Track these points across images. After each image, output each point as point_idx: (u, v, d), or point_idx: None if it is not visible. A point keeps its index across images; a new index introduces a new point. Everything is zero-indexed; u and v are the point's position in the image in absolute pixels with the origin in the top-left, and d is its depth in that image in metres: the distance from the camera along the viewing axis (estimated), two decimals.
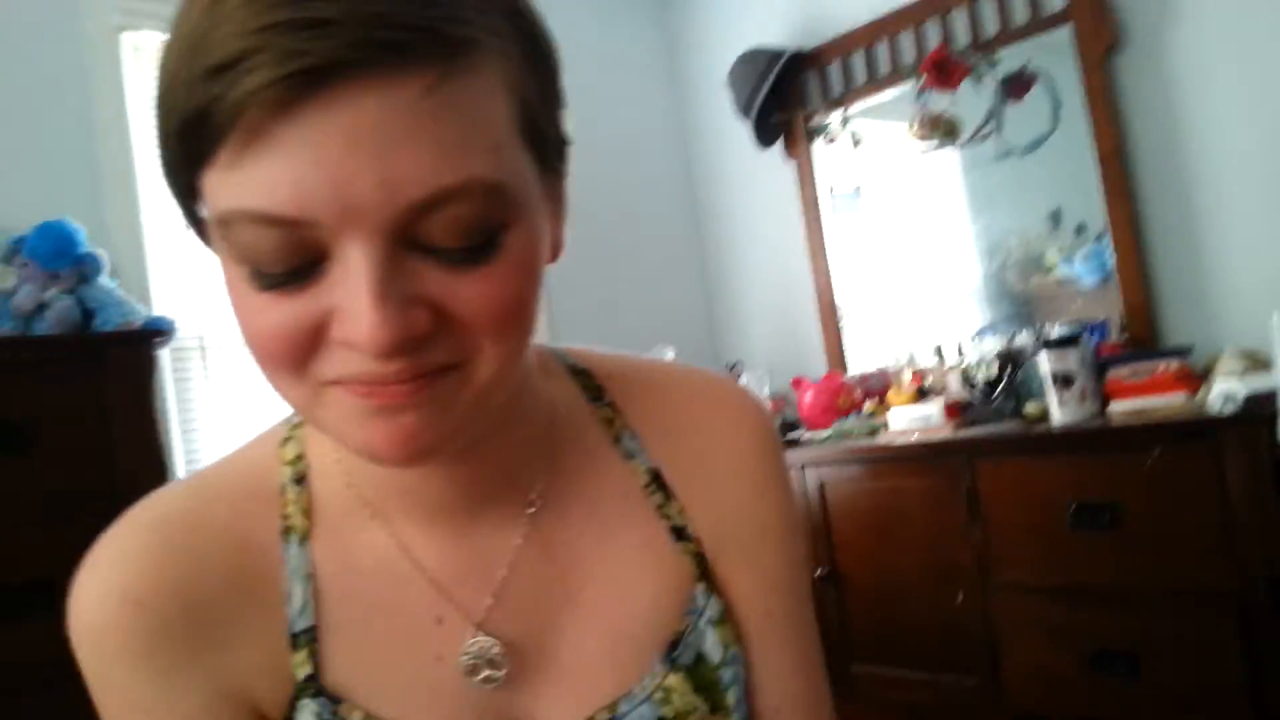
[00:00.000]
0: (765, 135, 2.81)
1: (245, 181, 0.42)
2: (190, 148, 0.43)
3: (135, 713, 0.55)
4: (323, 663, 0.56)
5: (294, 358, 0.46)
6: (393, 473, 0.56)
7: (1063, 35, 2.26)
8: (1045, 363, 1.99)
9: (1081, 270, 2.34)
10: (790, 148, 2.85)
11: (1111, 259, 2.25)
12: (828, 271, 2.81)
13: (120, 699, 0.55)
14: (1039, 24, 2.30)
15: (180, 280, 2.36)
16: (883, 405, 2.50)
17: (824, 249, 2.81)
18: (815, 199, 2.82)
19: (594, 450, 0.64)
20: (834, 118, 2.71)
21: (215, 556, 0.56)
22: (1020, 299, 2.49)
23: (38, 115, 2.08)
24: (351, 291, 0.43)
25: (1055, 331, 2.21)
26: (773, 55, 2.71)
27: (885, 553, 2.14)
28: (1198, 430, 1.70)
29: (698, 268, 3.20)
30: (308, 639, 0.56)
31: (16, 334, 1.77)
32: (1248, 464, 1.62)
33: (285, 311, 0.45)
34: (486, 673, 0.57)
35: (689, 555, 0.63)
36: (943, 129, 2.40)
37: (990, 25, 2.40)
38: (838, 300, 2.81)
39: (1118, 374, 1.99)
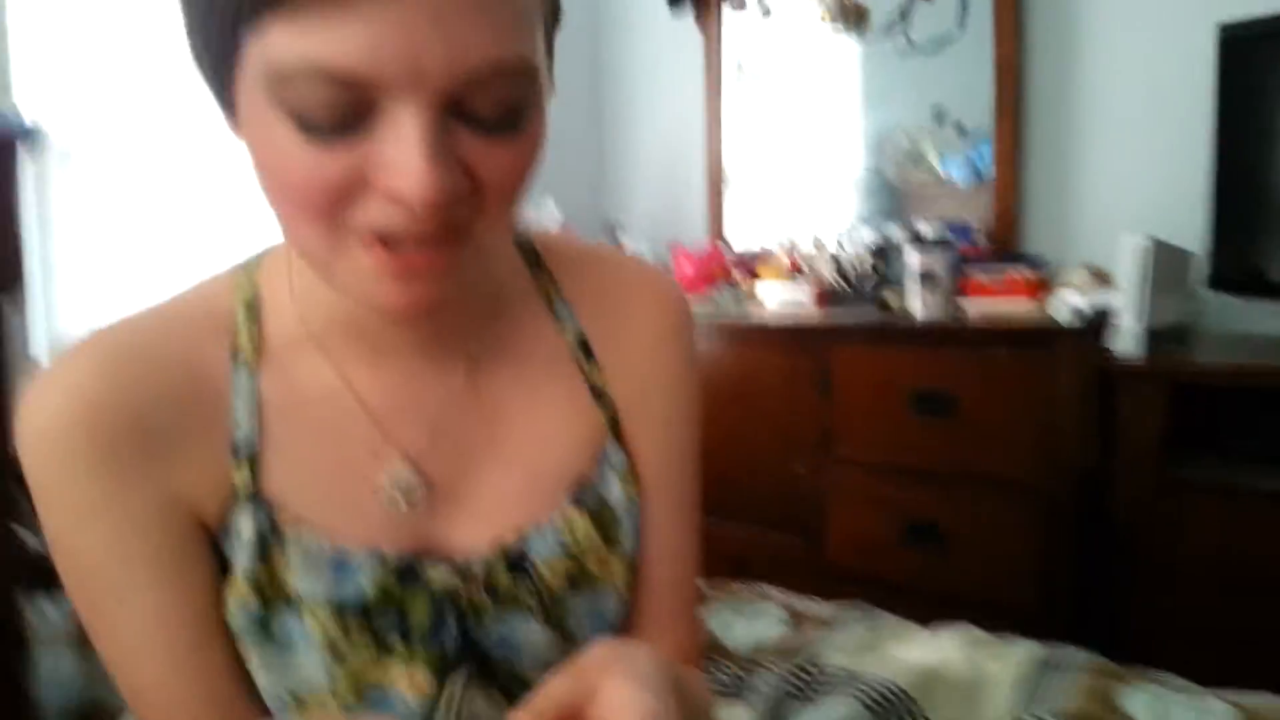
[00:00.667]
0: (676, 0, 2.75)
1: (319, 34, 0.45)
2: None
3: (83, 518, 0.58)
4: (262, 476, 0.62)
5: (331, 205, 0.49)
6: (348, 313, 0.62)
7: None
8: (913, 259, 2.08)
9: (955, 171, 2.42)
10: (701, 14, 2.80)
11: (987, 165, 2.34)
12: (720, 143, 2.82)
13: (68, 506, 0.58)
14: None
15: (45, 78, 2.18)
16: (755, 280, 2.57)
17: (719, 121, 2.81)
18: (718, 69, 2.79)
19: (530, 312, 0.70)
20: None
21: (168, 376, 0.60)
22: (898, 193, 2.56)
23: None
24: (404, 148, 0.47)
25: (926, 229, 2.29)
26: None
27: (739, 421, 2.24)
28: (1039, 336, 1.83)
29: (592, 122, 3.16)
30: (249, 453, 0.62)
31: None
32: (1077, 371, 1.76)
33: (329, 160, 0.48)
34: (407, 501, 0.64)
35: (604, 414, 0.70)
36: (852, 16, 2.40)
37: None
38: (726, 173, 2.83)
39: (976, 276, 2.10)
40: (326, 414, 0.64)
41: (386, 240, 0.50)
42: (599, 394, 0.71)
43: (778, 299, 2.43)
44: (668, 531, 0.74)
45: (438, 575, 0.63)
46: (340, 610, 0.61)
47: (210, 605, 0.61)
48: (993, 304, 2.04)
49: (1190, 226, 1.89)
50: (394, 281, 0.52)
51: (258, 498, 0.61)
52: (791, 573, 2.09)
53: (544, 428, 0.68)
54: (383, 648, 0.62)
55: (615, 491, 0.69)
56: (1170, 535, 1.65)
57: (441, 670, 0.63)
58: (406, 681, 0.63)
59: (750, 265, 2.67)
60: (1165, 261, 1.76)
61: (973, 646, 1.03)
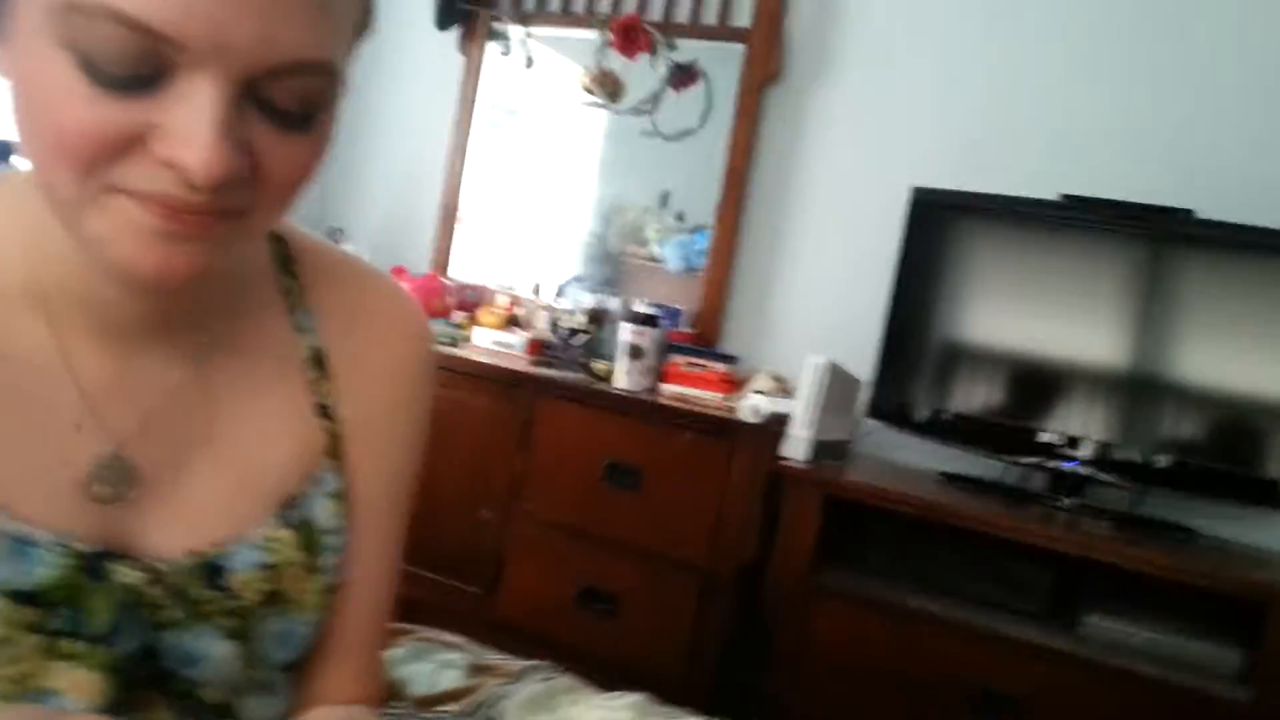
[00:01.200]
0: (447, 17, 2.73)
1: None
2: None
3: None
4: None
5: (94, 158, 0.47)
6: (80, 274, 0.57)
7: (736, 50, 2.46)
8: (626, 331, 2.19)
9: (670, 254, 2.59)
10: (467, 41, 2.80)
11: (698, 256, 2.52)
12: (460, 175, 2.82)
13: None
14: (722, 31, 2.49)
15: None
16: (472, 320, 2.58)
17: (464, 152, 2.81)
18: (473, 101, 2.80)
19: (268, 314, 0.68)
20: (516, 32, 2.71)
21: None
22: (614, 261, 2.70)
23: None
24: (193, 118, 0.46)
25: (640, 306, 2.43)
26: None
27: (432, 459, 2.21)
28: (724, 428, 1.99)
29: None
30: None
31: None
32: (751, 467, 1.94)
33: (106, 112, 0.46)
34: (106, 490, 0.60)
35: (326, 432, 0.68)
36: (609, 89, 2.50)
37: (681, 13, 2.54)
38: (460, 207, 2.83)
39: (677, 361, 2.24)
40: (31, 378, 0.58)
41: (149, 200, 0.48)
42: (325, 411, 0.69)
43: (491, 340, 2.47)
44: (372, 558, 0.72)
45: (126, 575, 0.59)
46: (12, 599, 0.56)
47: None
48: (689, 391, 2.19)
49: (860, 357, 2.14)
50: (159, 241, 0.49)
51: None
52: (462, 621, 2.09)
53: (262, 436, 0.66)
54: (53, 646, 0.57)
55: (323, 513, 0.67)
56: (810, 632, 1.84)
57: (114, 676, 0.59)
58: (75, 686, 0.58)
59: (469, 302, 2.68)
60: (838, 383, 1.99)
61: (645, 716, 1.11)
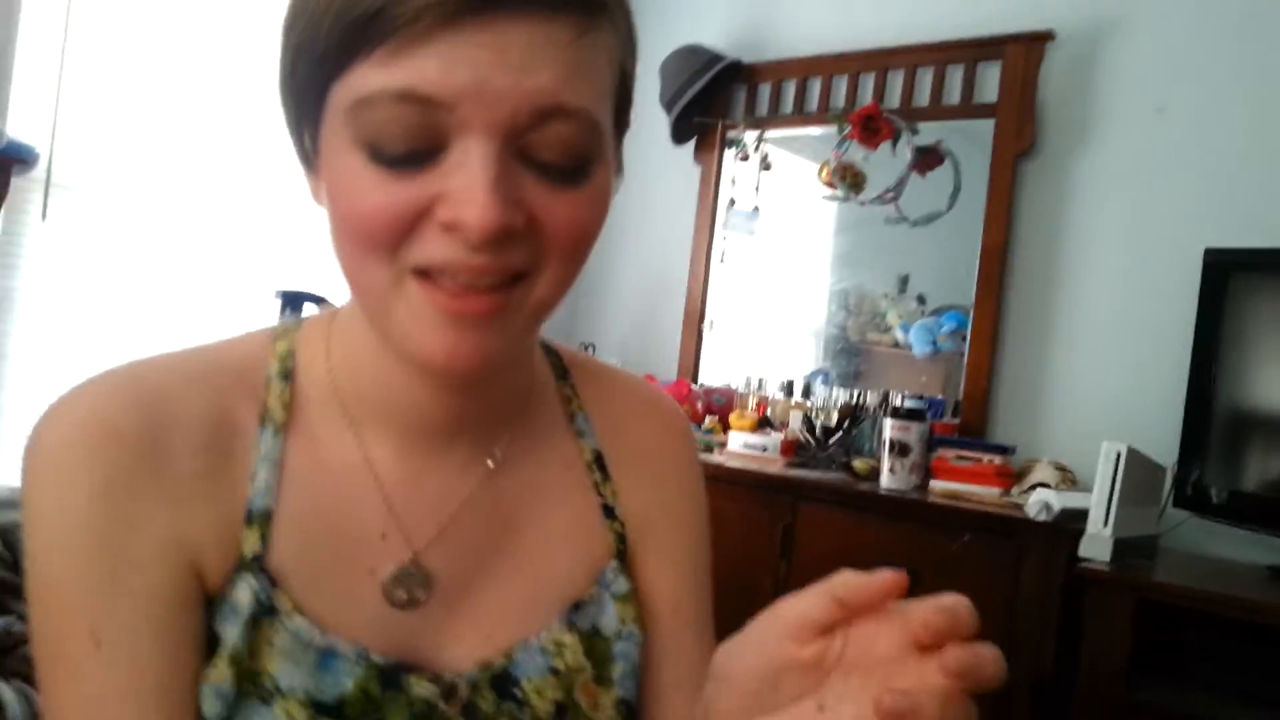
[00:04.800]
0: (682, 133, 2.80)
1: (398, 64, 0.49)
2: (351, 43, 0.50)
3: (76, 546, 0.54)
4: (270, 544, 0.59)
5: (392, 235, 0.51)
6: (384, 391, 0.62)
7: (982, 127, 2.36)
8: (889, 429, 2.08)
9: (914, 339, 2.46)
10: (701, 152, 2.86)
11: (949, 338, 2.39)
12: (705, 281, 2.84)
13: (63, 530, 0.55)
14: (966, 110, 2.40)
15: (37, 104, 2.15)
16: (723, 425, 2.55)
17: (707, 258, 2.84)
18: (713, 207, 2.83)
19: (553, 421, 0.71)
20: (750, 136, 2.73)
21: (193, 420, 0.58)
22: (856, 349, 2.62)
23: None
24: (468, 177, 0.50)
25: (900, 400, 2.31)
26: (712, 57, 2.69)
27: None
28: (1009, 527, 1.82)
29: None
30: (262, 518, 0.59)
31: None
32: (1045, 571, 1.75)
33: (396, 190, 0.51)
34: (404, 595, 0.61)
35: (613, 533, 0.70)
36: (850, 180, 2.45)
37: (921, 96, 2.47)
38: (705, 310, 2.84)
39: (945, 455, 2.10)
40: (344, 487, 0.62)
41: (442, 276, 0.52)
42: (610, 512, 0.70)
43: (744, 444, 2.41)
44: (686, 660, 0.71)
45: (421, 687, 0.60)
46: (317, 709, 0.57)
47: (190, 674, 0.56)
48: (961, 487, 2.04)
49: (1159, 440, 1.91)
50: (446, 326, 0.53)
51: (262, 567, 0.58)
52: None
53: (552, 541, 0.67)
54: None
55: (610, 617, 0.67)
56: None
57: None
58: None
59: (718, 406, 2.65)
60: (1140, 472, 1.78)
61: None
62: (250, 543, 0.58)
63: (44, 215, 2.14)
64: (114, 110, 2.30)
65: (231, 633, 0.57)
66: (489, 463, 0.66)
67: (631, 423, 0.74)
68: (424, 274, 0.52)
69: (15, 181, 1.98)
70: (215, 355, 0.63)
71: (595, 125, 0.53)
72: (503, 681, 0.62)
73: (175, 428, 0.57)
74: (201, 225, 2.46)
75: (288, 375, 0.63)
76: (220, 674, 0.56)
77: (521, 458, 0.68)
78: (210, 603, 0.58)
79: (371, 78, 0.50)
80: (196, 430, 0.58)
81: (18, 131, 2.00)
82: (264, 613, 0.57)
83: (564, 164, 0.53)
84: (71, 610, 0.54)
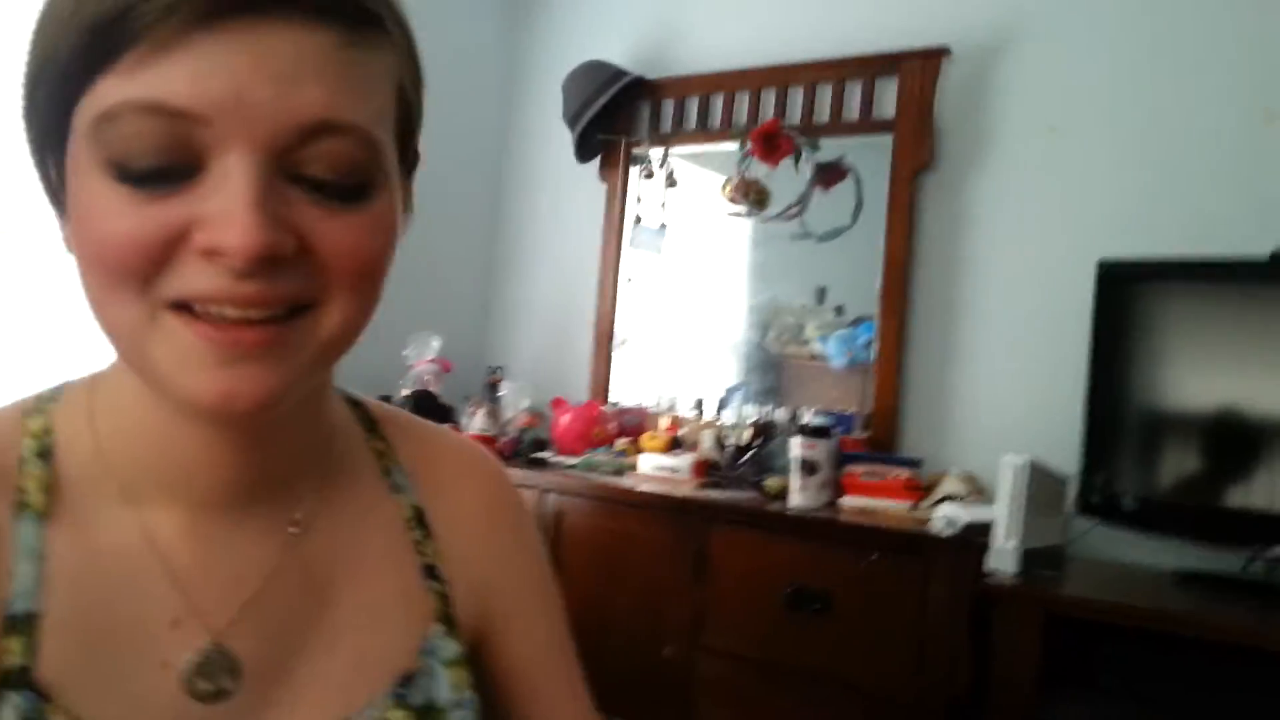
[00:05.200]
0: (586, 150, 2.77)
1: (146, 74, 0.44)
2: (94, 51, 0.45)
3: None
4: (38, 653, 0.52)
5: (144, 266, 0.46)
6: (163, 457, 0.55)
7: (883, 142, 2.37)
8: (796, 447, 2.06)
9: (833, 350, 2.46)
10: (607, 169, 2.82)
11: (863, 349, 2.39)
12: (613, 300, 2.80)
13: None
14: (866, 125, 2.40)
15: None
16: (635, 446, 2.51)
17: (615, 277, 2.80)
18: (620, 226, 2.80)
19: (363, 478, 0.65)
20: (655, 153, 2.71)
21: None
22: (775, 366, 2.60)
23: None
24: (227, 197, 0.45)
25: (809, 417, 2.30)
26: (615, 73, 2.67)
27: (608, 593, 2.13)
28: (916, 544, 1.81)
29: (483, 264, 3.10)
30: (26, 626, 0.52)
31: None
32: (952, 585, 1.74)
33: (147, 214, 0.46)
34: (209, 687, 0.55)
35: (434, 595, 0.64)
36: (753, 197, 2.44)
37: (822, 112, 2.47)
38: (615, 330, 2.80)
39: (854, 470, 2.09)
40: (124, 574, 0.55)
41: (206, 309, 0.47)
42: (431, 572, 0.65)
43: (655, 465, 2.38)
44: (560, 712, 0.69)
45: None
46: None
47: None
48: (870, 502, 2.03)
49: (1061, 448, 1.93)
50: (218, 366, 0.47)
51: (28, 683, 0.51)
52: None
53: (371, 608, 0.62)
54: None
55: (444, 686, 0.62)
56: None
57: None
58: None
59: (630, 426, 2.61)
60: (1042, 483, 1.79)
61: None
62: (12, 655, 0.51)
63: None
64: None
65: None
66: (291, 528, 0.60)
67: (453, 482, 0.69)
68: (183, 308, 0.47)
69: None
70: None
71: (372, 142, 0.49)
72: None
73: None
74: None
75: (46, 454, 0.56)
76: None
77: (329, 520, 0.62)
78: None
79: (115, 90, 0.45)
80: None
81: None
82: None
83: (337, 182, 0.48)
84: None
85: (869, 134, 2.40)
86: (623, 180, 2.79)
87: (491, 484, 0.72)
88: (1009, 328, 2.24)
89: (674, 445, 2.47)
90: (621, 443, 2.54)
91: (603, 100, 2.64)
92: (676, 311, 2.76)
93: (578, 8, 2.95)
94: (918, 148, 2.31)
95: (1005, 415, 2.21)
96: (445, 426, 0.76)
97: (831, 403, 2.43)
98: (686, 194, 2.72)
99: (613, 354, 2.81)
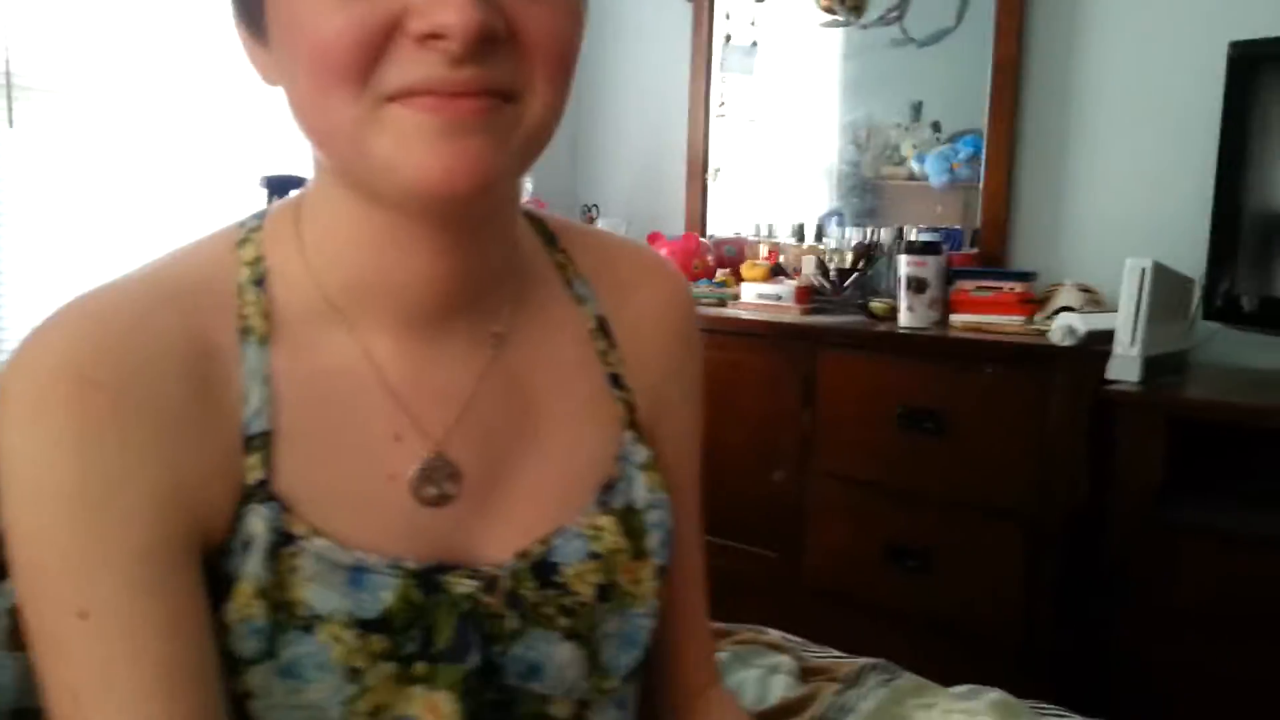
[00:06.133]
0: None
1: None
2: None
3: (60, 506, 0.49)
4: (275, 468, 0.54)
5: (361, 62, 0.47)
6: (373, 272, 0.56)
7: None
8: (904, 265, 2.01)
9: (931, 169, 2.36)
10: None
11: (964, 167, 2.28)
12: (705, 128, 2.71)
13: (45, 489, 0.49)
14: None
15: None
16: (735, 276, 2.48)
17: (706, 103, 2.70)
18: (708, 47, 2.68)
19: (551, 290, 0.66)
20: None
21: (171, 352, 0.53)
22: (872, 188, 2.51)
23: None
24: None
25: (916, 234, 2.22)
26: None
27: (715, 424, 2.14)
28: (1033, 355, 1.77)
29: (571, 99, 3.03)
30: (262, 443, 0.54)
31: None
32: (1072, 396, 1.70)
33: (357, 8, 0.46)
34: (435, 492, 0.57)
35: (621, 403, 0.66)
36: (850, 2, 2.30)
37: None
38: (709, 161, 2.73)
39: (964, 287, 2.03)
40: (345, 392, 0.57)
41: (423, 97, 0.48)
42: (617, 381, 0.66)
43: (758, 294, 2.35)
44: (685, 533, 0.70)
45: (462, 585, 0.57)
46: (362, 627, 0.54)
47: (195, 639, 0.51)
48: (982, 318, 1.98)
49: (1186, 251, 1.83)
50: (442, 140, 0.48)
51: (270, 495, 0.54)
52: (765, 589, 2.02)
53: (572, 420, 0.64)
54: (405, 672, 0.55)
55: (640, 490, 0.64)
56: (1163, 578, 1.60)
57: (465, 697, 0.56)
58: (430, 709, 0.56)
59: (730, 257, 2.58)
60: (1167, 287, 1.71)
61: (1009, 717, 0.97)
62: (253, 470, 0.54)
63: (10, 122, 2.06)
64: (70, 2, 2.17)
65: (252, 567, 0.53)
66: (493, 339, 0.61)
67: (634, 288, 0.70)
68: (401, 98, 0.48)
69: None
70: (177, 272, 0.57)
71: None
72: (543, 569, 0.60)
73: (153, 363, 0.52)
74: (177, 115, 2.36)
75: (260, 281, 0.57)
76: (251, 610, 0.52)
77: (525, 331, 0.63)
78: (217, 545, 0.53)
79: None
80: (175, 360, 0.53)
81: None
82: (282, 541, 0.53)
83: None
84: (54, 577, 0.50)
85: None
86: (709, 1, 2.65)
87: (668, 289, 0.72)
88: (1128, 126, 2.10)
89: (775, 273, 2.43)
90: (722, 274, 2.52)
91: None
92: (769, 136, 2.66)
93: None
94: None
95: (1123, 220, 2.10)
96: (631, 239, 0.76)
97: (934, 221, 2.34)
98: (775, 7, 2.57)
99: (707, 184, 2.75)
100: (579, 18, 0.52)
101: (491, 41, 0.47)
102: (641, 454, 0.65)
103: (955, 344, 1.89)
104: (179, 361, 0.53)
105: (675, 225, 2.77)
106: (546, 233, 0.69)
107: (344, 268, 0.57)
